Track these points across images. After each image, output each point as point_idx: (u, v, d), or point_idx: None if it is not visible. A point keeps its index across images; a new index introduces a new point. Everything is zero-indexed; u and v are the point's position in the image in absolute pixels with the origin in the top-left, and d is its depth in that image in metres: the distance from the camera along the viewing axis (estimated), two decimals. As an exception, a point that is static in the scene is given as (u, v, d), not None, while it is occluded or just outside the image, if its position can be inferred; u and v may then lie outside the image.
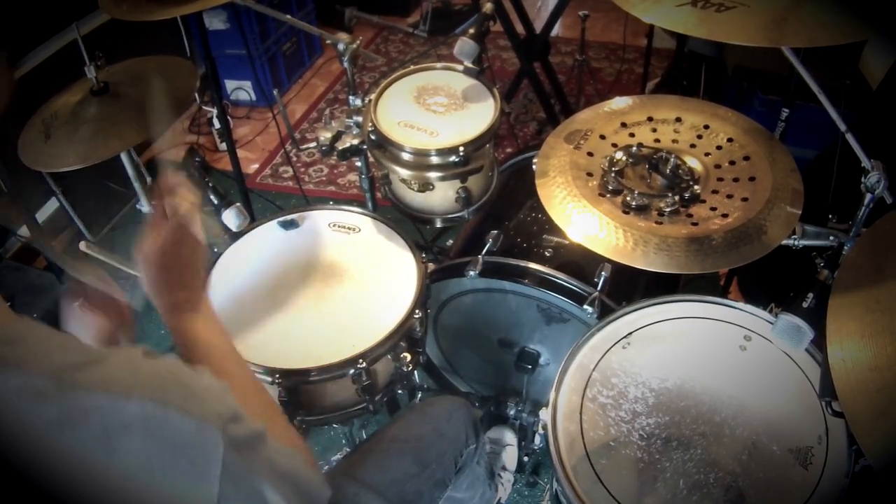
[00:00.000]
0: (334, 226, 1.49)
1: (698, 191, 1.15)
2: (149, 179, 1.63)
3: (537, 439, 1.58)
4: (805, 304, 0.97)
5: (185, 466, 0.58)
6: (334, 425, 1.62)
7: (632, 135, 1.27)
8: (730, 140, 1.23)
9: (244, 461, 0.62)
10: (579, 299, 1.39)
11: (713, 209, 1.12)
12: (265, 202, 2.71)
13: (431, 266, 1.64)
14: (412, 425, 1.25)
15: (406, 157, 1.42)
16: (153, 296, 0.90)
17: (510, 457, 1.70)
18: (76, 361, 0.57)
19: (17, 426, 0.53)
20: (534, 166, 1.23)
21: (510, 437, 1.73)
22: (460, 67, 1.53)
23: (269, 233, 1.49)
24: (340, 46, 1.52)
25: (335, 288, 1.36)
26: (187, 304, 0.88)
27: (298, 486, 0.70)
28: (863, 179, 0.99)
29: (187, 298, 0.89)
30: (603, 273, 1.42)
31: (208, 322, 0.89)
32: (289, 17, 1.63)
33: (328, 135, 1.51)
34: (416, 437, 1.22)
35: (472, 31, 1.44)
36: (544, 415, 1.13)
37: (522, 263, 1.48)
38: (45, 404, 0.53)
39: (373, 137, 1.46)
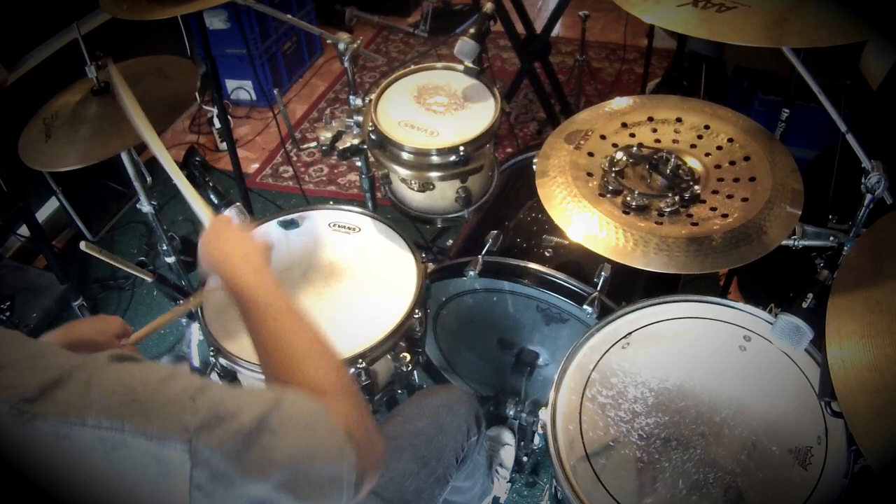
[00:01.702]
0: (334, 226, 1.49)
1: (698, 191, 1.15)
2: (149, 179, 1.63)
3: (536, 439, 1.58)
4: (805, 305, 0.97)
5: (147, 488, 0.56)
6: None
7: (632, 135, 1.27)
8: (730, 140, 1.23)
9: (222, 471, 0.58)
10: (579, 299, 1.39)
11: (713, 209, 1.12)
12: (265, 202, 2.72)
13: (431, 266, 1.64)
14: (410, 420, 1.22)
15: (406, 156, 1.42)
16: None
17: (507, 455, 1.70)
18: (39, 386, 0.55)
19: (7, 439, 0.53)
20: (534, 166, 1.23)
21: (508, 437, 1.72)
22: (460, 67, 1.53)
23: (269, 233, 1.49)
24: (341, 46, 1.52)
25: (335, 288, 1.36)
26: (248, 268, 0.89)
27: (309, 468, 0.63)
28: (863, 180, 0.99)
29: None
30: (603, 273, 1.42)
31: (263, 280, 0.87)
32: (289, 16, 1.63)
33: (328, 134, 1.51)
34: (414, 433, 1.19)
35: (472, 30, 1.44)
36: (544, 415, 1.13)
37: (522, 263, 1.48)
38: (10, 429, 0.53)
39: (373, 137, 1.46)
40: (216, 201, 1.38)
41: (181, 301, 1.42)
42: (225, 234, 0.95)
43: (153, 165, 1.15)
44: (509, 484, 1.69)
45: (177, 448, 0.56)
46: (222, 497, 0.58)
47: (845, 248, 1.06)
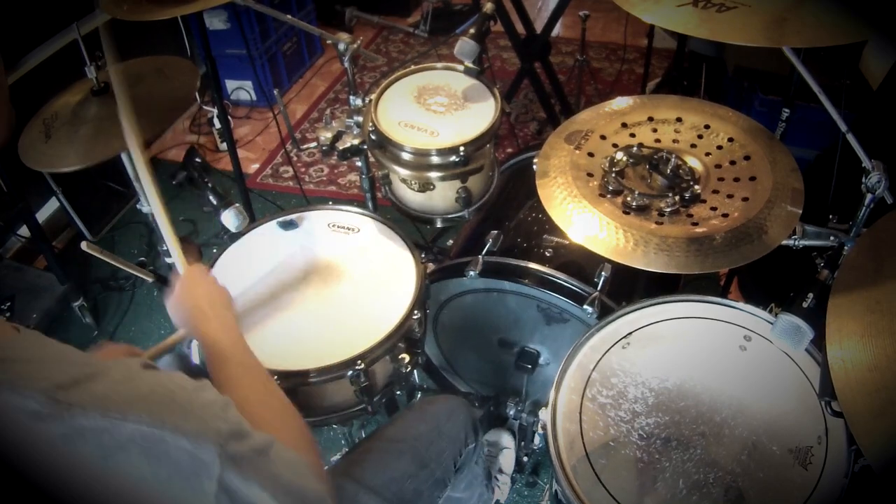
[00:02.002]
0: (334, 226, 1.49)
1: (699, 191, 1.15)
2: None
3: (537, 439, 1.58)
4: (805, 304, 0.96)
5: (180, 485, 0.58)
6: (333, 426, 1.62)
7: (632, 135, 1.27)
8: (730, 140, 1.23)
9: (244, 478, 0.62)
10: (579, 299, 1.39)
11: (713, 209, 1.12)
12: (265, 202, 2.72)
13: (431, 266, 1.64)
14: (411, 424, 1.25)
15: (406, 156, 1.42)
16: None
17: (507, 460, 1.70)
18: (72, 378, 0.57)
19: (21, 441, 0.54)
20: (534, 166, 1.23)
21: (507, 440, 1.72)
22: (461, 67, 1.53)
23: (269, 233, 1.49)
24: (341, 46, 1.52)
25: (334, 288, 1.35)
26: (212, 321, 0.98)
27: (304, 499, 0.69)
28: (863, 180, 0.99)
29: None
30: (603, 273, 1.42)
31: (229, 333, 0.96)
32: (289, 17, 1.63)
33: (328, 135, 1.51)
34: (414, 437, 1.22)
35: (472, 31, 1.44)
36: (544, 415, 1.13)
37: (522, 263, 1.48)
38: (41, 423, 0.54)
39: (373, 137, 1.46)
40: (215, 202, 1.38)
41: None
42: (194, 286, 1.03)
43: (152, 166, 1.15)
44: (509, 485, 1.70)
45: (210, 451, 0.59)
46: (241, 501, 0.62)
47: (846, 247, 1.06)
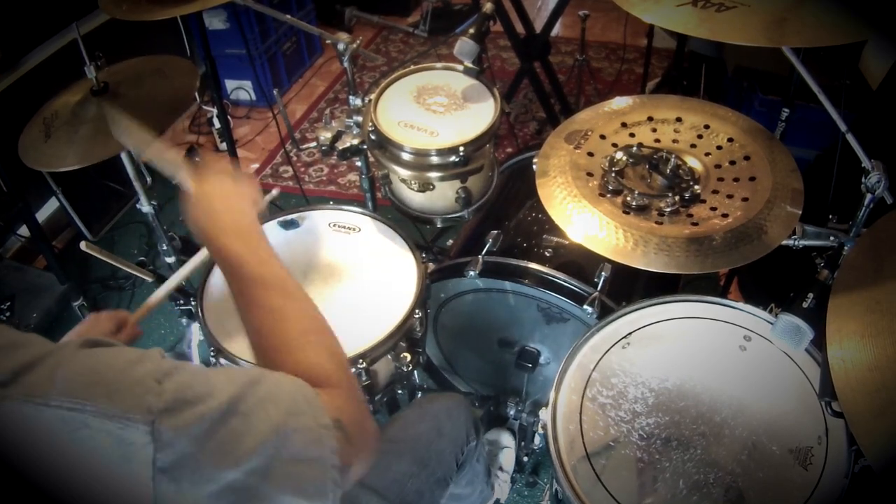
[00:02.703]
0: (334, 226, 1.49)
1: (698, 191, 1.15)
2: (149, 179, 1.63)
3: (537, 439, 1.58)
4: (805, 304, 0.96)
5: (111, 471, 0.55)
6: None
7: (632, 135, 1.27)
8: (730, 140, 1.23)
9: (189, 454, 0.56)
10: (579, 299, 1.39)
11: (713, 209, 1.12)
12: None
13: (431, 266, 1.64)
14: (411, 424, 1.24)
15: (406, 157, 1.42)
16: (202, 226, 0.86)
17: (507, 458, 1.70)
18: (11, 369, 0.55)
19: None
20: (534, 166, 1.23)
21: (507, 440, 1.72)
22: (460, 67, 1.53)
23: (269, 233, 1.49)
24: (340, 46, 1.52)
25: (335, 288, 1.35)
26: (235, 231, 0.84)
27: (287, 448, 0.61)
28: (863, 180, 0.99)
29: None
30: (603, 273, 1.42)
31: (247, 244, 0.83)
32: (289, 16, 1.63)
33: (328, 135, 1.51)
34: (415, 436, 1.21)
35: (472, 30, 1.44)
36: (544, 415, 1.13)
37: (522, 263, 1.48)
38: None
39: (373, 137, 1.46)
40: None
41: (181, 301, 1.42)
42: (211, 193, 0.88)
43: (153, 166, 1.14)
44: (509, 484, 1.70)
45: (139, 430, 0.55)
46: (189, 482, 0.57)
47: (845, 247, 1.06)
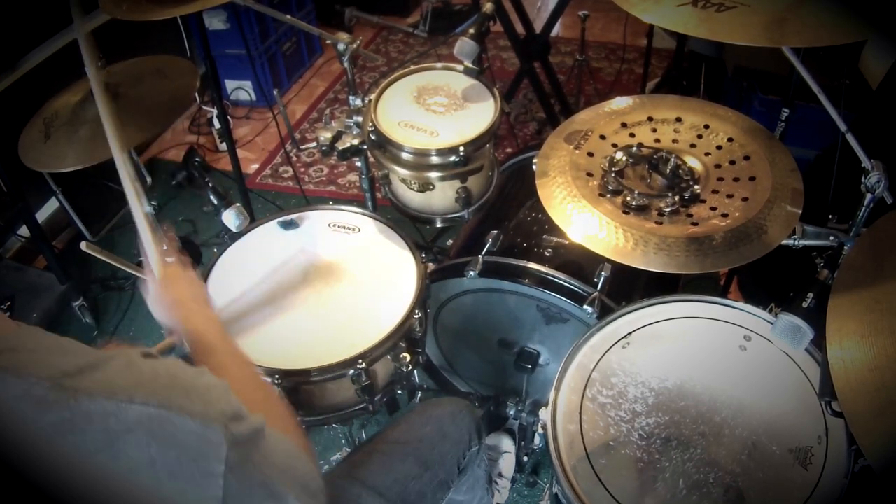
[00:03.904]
0: (334, 226, 1.49)
1: (698, 191, 1.15)
2: (148, 180, 1.63)
3: (537, 439, 1.58)
4: (805, 304, 0.96)
5: (188, 467, 0.59)
6: (334, 425, 1.62)
7: (632, 135, 1.27)
8: (730, 140, 1.23)
9: (247, 458, 0.63)
10: (579, 299, 1.39)
11: (713, 209, 1.12)
12: (265, 202, 2.71)
13: (431, 266, 1.64)
14: (415, 426, 1.25)
15: (406, 157, 1.42)
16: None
17: (507, 464, 1.70)
18: (76, 366, 0.57)
19: (21, 431, 0.54)
20: (534, 166, 1.23)
21: (507, 444, 1.72)
22: (460, 67, 1.53)
23: (269, 233, 1.49)
24: (340, 46, 1.52)
25: (335, 288, 1.35)
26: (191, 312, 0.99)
27: (296, 477, 0.71)
28: (863, 179, 0.99)
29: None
30: (603, 273, 1.42)
31: (213, 325, 0.97)
32: (289, 17, 1.63)
33: (328, 135, 1.51)
34: (418, 439, 1.22)
35: (472, 30, 1.44)
36: (544, 415, 1.13)
37: (522, 263, 1.48)
38: (47, 410, 0.54)
39: (373, 137, 1.46)
40: (216, 202, 1.38)
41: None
42: (174, 281, 1.04)
43: (152, 166, 1.15)
44: (508, 489, 1.70)
45: (216, 430, 0.60)
46: (248, 484, 0.63)
47: (845, 247, 1.06)
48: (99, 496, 0.57)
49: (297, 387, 1.23)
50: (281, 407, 0.90)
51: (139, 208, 1.11)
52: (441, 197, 1.52)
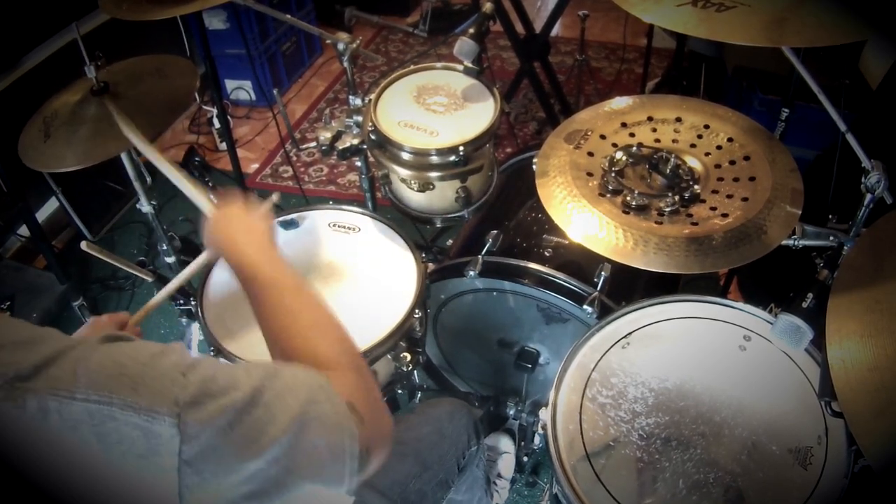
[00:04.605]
0: (334, 226, 1.49)
1: (698, 191, 1.15)
2: (149, 179, 1.63)
3: (537, 439, 1.58)
4: (805, 304, 0.96)
5: (137, 463, 0.55)
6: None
7: (632, 135, 1.27)
8: (730, 140, 1.23)
9: (212, 445, 0.57)
10: (579, 299, 1.39)
11: (713, 209, 1.12)
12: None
13: (431, 266, 1.64)
14: (414, 426, 1.25)
15: (406, 156, 1.42)
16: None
17: (506, 464, 1.70)
18: (30, 367, 0.55)
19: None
20: (534, 166, 1.23)
21: (507, 445, 1.73)
22: (460, 67, 1.53)
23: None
24: (340, 46, 1.52)
25: (335, 288, 1.35)
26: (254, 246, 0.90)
27: (308, 436, 0.62)
28: (863, 180, 0.99)
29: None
30: (603, 273, 1.42)
31: (265, 254, 0.88)
32: (289, 16, 1.63)
33: (328, 134, 1.51)
34: (418, 439, 1.22)
35: (472, 30, 1.43)
36: (544, 415, 1.13)
37: (522, 263, 1.48)
38: (2, 409, 0.53)
39: (373, 137, 1.46)
40: (216, 201, 1.38)
41: (181, 301, 1.42)
42: (229, 215, 0.97)
43: (152, 166, 1.15)
44: (507, 490, 1.70)
45: (165, 422, 0.55)
46: (213, 473, 0.57)
47: (845, 247, 1.06)
48: (63, 482, 0.55)
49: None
50: (346, 346, 0.80)
51: (173, 170, 1.12)
52: (441, 197, 1.52)
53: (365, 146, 1.51)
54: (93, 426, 0.54)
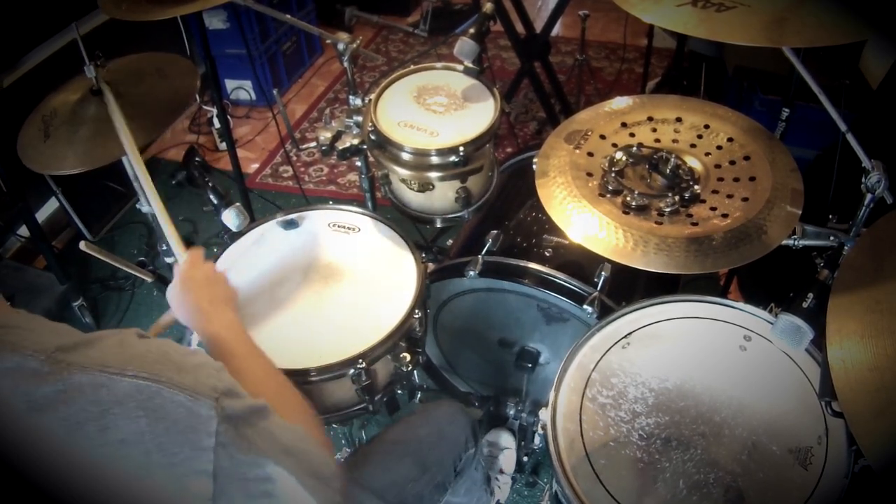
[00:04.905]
0: (334, 226, 1.49)
1: (698, 191, 1.15)
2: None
3: (537, 439, 1.58)
4: (805, 304, 0.96)
5: (178, 438, 0.60)
6: (334, 425, 1.62)
7: (632, 135, 1.27)
8: (730, 140, 1.23)
9: (241, 434, 0.64)
10: (579, 299, 1.39)
11: (713, 209, 1.12)
12: (265, 202, 2.71)
13: (431, 266, 1.64)
14: (413, 428, 1.25)
15: (406, 157, 1.42)
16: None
17: (508, 460, 1.70)
18: (70, 343, 0.59)
19: (7, 406, 0.55)
20: (534, 166, 1.23)
21: (508, 440, 1.73)
22: (460, 67, 1.53)
23: (269, 233, 1.49)
24: (340, 46, 1.52)
25: (335, 288, 1.35)
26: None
27: (302, 460, 0.71)
28: (863, 179, 0.99)
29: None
30: (603, 273, 1.42)
31: (231, 328, 0.98)
32: (289, 16, 1.63)
33: (328, 134, 1.51)
34: (416, 440, 1.22)
35: (472, 30, 1.44)
36: (544, 415, 1.13)
37: (522, 263, 1.48)
38: (41, 383, 0.55)
39: (373, 137, 1.46)
40: (216, 201, 1.38)
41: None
42: (193, 284, 1.03)
43: (152, 166, 1.15)
44: (510, 485, 1.70)
45: (206, 404, 0.61)
46: (241, 461, 0.63)
47: (845, 247, 1.06)
48: (88, 469, 0.57)
49: (298, 386, 1.22)
50: (298, 401, 0.91)
51: (157, 202, 1.16)
52: (441, 197, 1.52)
53: (365, 146, 1.51)
54: (140, 402, 0.58)
